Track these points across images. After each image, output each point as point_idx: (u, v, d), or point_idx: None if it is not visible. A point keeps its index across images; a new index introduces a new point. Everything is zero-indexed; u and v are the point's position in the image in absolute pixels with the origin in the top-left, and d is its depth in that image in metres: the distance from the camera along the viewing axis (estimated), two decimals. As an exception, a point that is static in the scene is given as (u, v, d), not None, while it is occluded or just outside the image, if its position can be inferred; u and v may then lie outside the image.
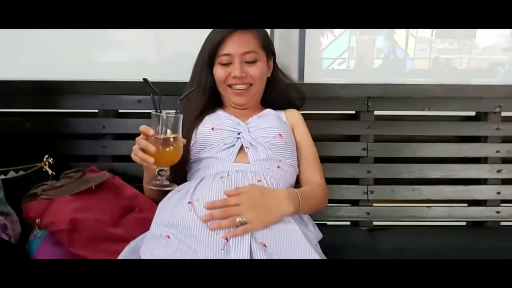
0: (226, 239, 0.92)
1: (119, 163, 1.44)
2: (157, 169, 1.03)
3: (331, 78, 1.65)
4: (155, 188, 1.05)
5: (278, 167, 1.15)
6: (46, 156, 1.31)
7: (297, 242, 0.96)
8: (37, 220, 1.08)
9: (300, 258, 0.95)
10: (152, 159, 0.99)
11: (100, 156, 1.46)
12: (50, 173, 1.29)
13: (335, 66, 1.65)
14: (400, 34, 1.63)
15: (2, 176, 1.26)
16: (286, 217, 1.00)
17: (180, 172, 1.22)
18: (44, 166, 1.30)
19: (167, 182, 1.05)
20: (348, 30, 1.61)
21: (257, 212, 0.95)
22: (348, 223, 1.54)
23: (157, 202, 1.15)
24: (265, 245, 0.93)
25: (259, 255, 0.91)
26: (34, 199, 1.13)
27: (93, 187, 1.17)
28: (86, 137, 1.47)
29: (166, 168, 1.03)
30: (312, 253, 0.95)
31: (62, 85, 1.44)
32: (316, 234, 1.11)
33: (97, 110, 1.46)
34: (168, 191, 1.12)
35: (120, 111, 1.48)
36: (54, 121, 1.46)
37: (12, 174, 1.32)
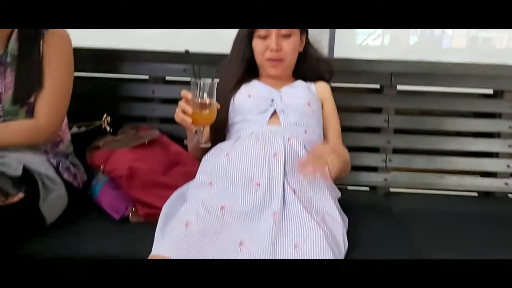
0: (258, 185, 1.10)
1: (165, 125, 1.63)
2: (194, 129, 1.20)
3: (366, 53, 1.74)
4: (191, 145, 1.23)
5: (305, 131, 1.31)
6: (105, 114, 1.51)
7: (321, 192, 1.14)
8: (101, 167, 1.28)
9: (322, 207, 1.13)
10: (189, 119, 1.15)
11: (149, 118, 1.65)
12: (108, 129, 1.49)
13: (369, 42, 1.74)
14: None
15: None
16: None
17: (220, 135, 1.40)
18: (104, 124, 1.50)
19: (203, 140, 1.22)
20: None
21: (334, 157, 1.10)
22: (367, 188, 1.69)
23: (198, 159, 1.33)
24: (294, 191, 1.11)
25: (290, 196, 1.09)
26: (98, 150, 1.34)
27: (146, 142, 1.36)
28: (137, 100, 1.66)
29: (202, 129, 1.20)
30: (332, 205, 1.14)
31: (118, 53, 1.64)
32: (336, 192, 1.28)
33: (147, 77, 1.66)
34: (207, 150, 1.30)
35: (167, 78, 1.67)
36: (110, 85, 1.67)
37: (75, 130, 1.53)
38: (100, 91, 1.66)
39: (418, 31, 1.70)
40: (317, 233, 1.02)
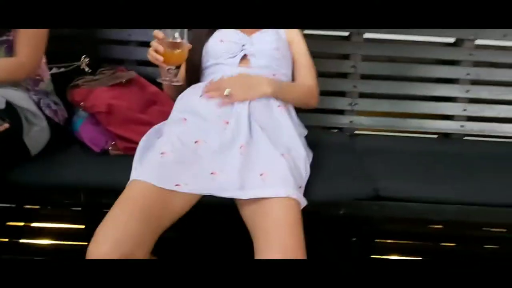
0: (227, 122, 1.20)
1: (142, 67, 1.69)
2: (167, 68, 1.27)
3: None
4: (164, 82, 1.31)
5: (274, 75, 1.40)
6: (84, 56, 1.56)
7: (287, 128, 1.25)
8: (81, 103, 1.36)
9: (286, 141, 1.23)
10: (161, 58, 1.23)
11: (126, 60, 1.71)
12: (87, 70, 1.55)
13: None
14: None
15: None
16: (277, 108, 1.28)
17: (194, 77, 1.47)
18: (82, 64, 1.56)
19: (175, 78, 1.31)
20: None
21: (240, 86, 1.24)
22: (335, 131, 1.81)
23: (174, 99, 1.40)
24: (260, 127, 1.21)
25: (256, 132, 1.19)
26: (78, 88, 1.40)
27: (123, 81, 1.43)
28: (115, 43, 1.72)
29: (173, 67, 1.28)
30: (297, 140, 1.24)
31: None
32: (302, 129, 1.38)
33: (124, 20, 1.70)
34: (182, 89, 1.38)
35: (144, 22, 1.71)
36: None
37: (55, 70, 1.58)
38: (79, 33, 1.70)
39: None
40: (280, 161, 1.13)
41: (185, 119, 1.25)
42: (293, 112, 1.38)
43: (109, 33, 1.71)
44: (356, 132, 1.79)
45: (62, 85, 1.47)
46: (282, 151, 1.16)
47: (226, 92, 1.22)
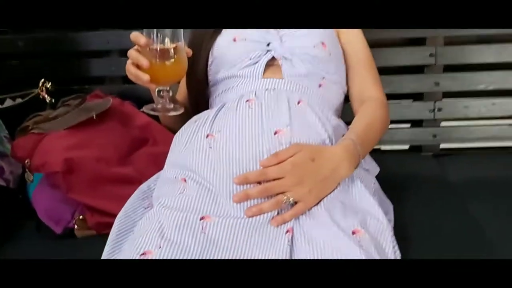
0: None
1: (131, 86, 1.21)
2: (156, 89, 0.81)
3: None
4: (154, 113, 0.84)
5: (320, 85, 0.88)
6: (42, 80, 1.11)
7: (353, 181, 0.74)
8: (26, 161, 0.89)
9: (356, 205, 0.72)
10: (146, 76, 0.77)
11: (108, 77, 1.25)
12: (48, 100, 1.09)
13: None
14: None
15: (-4, 107, 1.09)
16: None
17: (200, 99, 0.99)
18: (41, 92, 1.10)
19: (171, 105, 0.83)
20: None
21: (309, 185, 0.69)
22: (406, 147, 1.29)
23: (174, 130, 0.93)
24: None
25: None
26: (25, 134, 0.94)
27: (94, 116, 0.96)
28: (89, 55, 1.24)
29: (166, 88, 0.81)
30: (370, 199, 0.72)
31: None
32: (373, 170, 0.86)
33: (99, 22, 1.22)
34: (183, 120, 0.89)
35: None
36: (50, 38, 1.24)
37: (9, 102, 1.14)
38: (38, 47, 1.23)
39: None
40: (352, 252, 0.63)
41: (184, 179, 0.76)
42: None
43: (80, 42, 1.22)
44: (442, 146, 1.26)
45: (19, 123, 1.03)
46: (351, 227, 0.67)
47: (288, 201, 0.69)
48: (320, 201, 0.70)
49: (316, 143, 0.76)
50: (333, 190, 0.72)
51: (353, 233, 0.66)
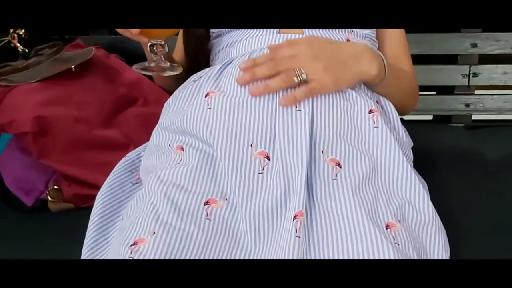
0: (267, 157, 0.55)
1: (119, 37, 1.04)
2: (149, 44, 0.66)
3: None
4: (147, 72, 0.69)
5: (348, 40, 0.72)
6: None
7: (388, 160, 0.58)
8: (-11, 118, 0.74)
9: (393, 191, 0.58)
10: (135, 28, 0.62)
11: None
12: (20, 49, 0.93)
13: None
14: None
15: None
16: (368, 117, 0.61)
17: (200, 54, 0.82)
18: (12, 40, 0.94)
19: (167, 64, 0.68)
20: None
21: (325, 61, 0.60)
22: (430, 117, 1.16)
23: (170, 91, 0.78)
24: (339, 165, 0.55)
25: (326, 180, 0.54)
26: (-9, 87, 0.79)
27: (73, 68, 0.81)
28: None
29: (162, 42, 0.66)
30: (413, 177, 0.58)
31: None
32: (408, 142, 0.71)
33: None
34: (181, 80, 0.74)
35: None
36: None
37: (-22, 52, 0.98)
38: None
39: None
40: (380, 247, 0.49)
41: (181, 147, 0.61)
42: (397, 121, 0.69)
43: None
44: (474, 117, 1.12)
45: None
46: (386, 219, 0.53)
47: (299, 77, 0.58)
48: (343, 180, 0.56)
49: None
50: (362, 160, 0.57)
51: (387, 227, 0.53)
